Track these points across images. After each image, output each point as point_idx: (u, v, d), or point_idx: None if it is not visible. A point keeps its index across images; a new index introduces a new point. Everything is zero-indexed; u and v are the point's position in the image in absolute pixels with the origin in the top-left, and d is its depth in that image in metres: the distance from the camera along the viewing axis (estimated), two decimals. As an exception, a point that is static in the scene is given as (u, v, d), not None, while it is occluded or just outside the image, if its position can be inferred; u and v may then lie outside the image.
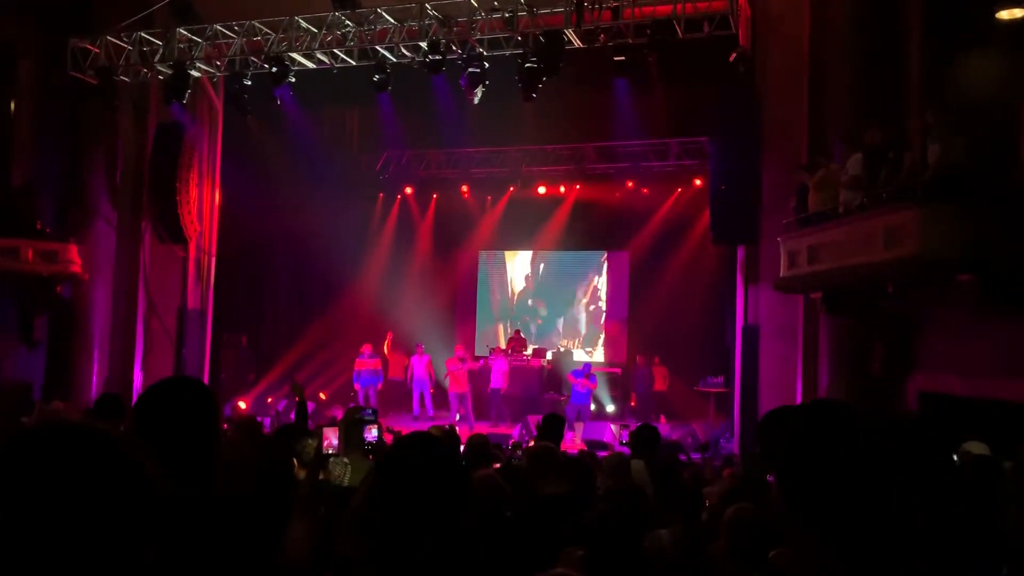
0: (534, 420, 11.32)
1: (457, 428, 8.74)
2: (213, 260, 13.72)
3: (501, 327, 18.23)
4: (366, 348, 14.81)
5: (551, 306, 18.10)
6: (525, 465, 4.38)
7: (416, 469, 1.72)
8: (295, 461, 3.88)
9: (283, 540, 1.96)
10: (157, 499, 1.00)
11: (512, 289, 18.42)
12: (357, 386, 14.69)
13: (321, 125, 14.86)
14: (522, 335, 16.42)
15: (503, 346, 16.16)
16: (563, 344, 17.16)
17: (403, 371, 15.28)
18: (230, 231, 13.98)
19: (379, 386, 14.76)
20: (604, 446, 11.12)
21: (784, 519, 1.42)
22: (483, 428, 12.36)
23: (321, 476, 3.52)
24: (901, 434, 1.50)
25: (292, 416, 8.61)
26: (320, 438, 3.41)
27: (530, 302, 18.24)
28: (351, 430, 4.59)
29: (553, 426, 5.57)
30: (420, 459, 1.74)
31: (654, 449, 5.31)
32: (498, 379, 14.24)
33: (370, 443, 3.16)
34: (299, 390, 5.28)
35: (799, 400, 9.34)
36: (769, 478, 3.85)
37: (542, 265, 18.31)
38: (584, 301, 17.86)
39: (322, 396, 15.26)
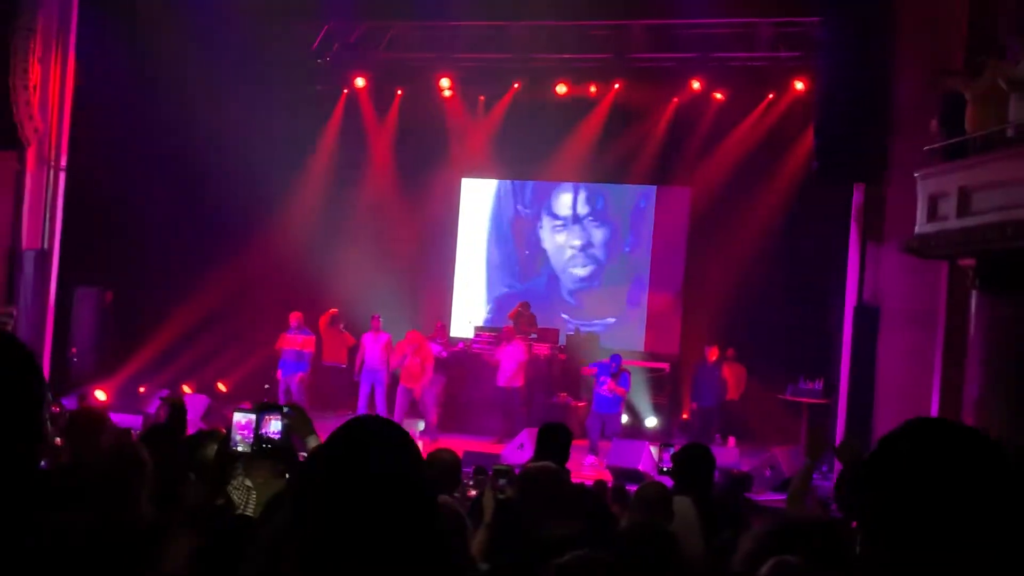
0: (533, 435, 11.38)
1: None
2: (63, 177, 13.70)
3: (487, 294, 18.27)
4: (294, 318, 14.82)
5: (569, 267, 18.11)
6: (516, 493, 4.38)
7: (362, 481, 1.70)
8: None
9: None
10: None
11: (512, 238, 18.41)
12: (280, 373, 14.73)
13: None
14: (530, 310, 16.49)
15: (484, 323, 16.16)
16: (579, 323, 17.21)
17: (346, 353, 15.31)
18: (90, 134, 13.96)
19: (303, 375, 14.75)
20: (639, 476, 11.17)
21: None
22: (455, 443, 12.39)
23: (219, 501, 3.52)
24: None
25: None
26: (226, 434, 3.37)
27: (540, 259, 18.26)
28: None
29: (555, 439, 5.57)
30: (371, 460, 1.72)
31: (708, 481, 5.28)
32: (510, 371, 14.21)
33: (269, 440, 3.08)
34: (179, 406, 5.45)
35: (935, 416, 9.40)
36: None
37: (557, 204, 18.27)
38: (619, 261, 17.86)
39: (221, 387, 15.34)
